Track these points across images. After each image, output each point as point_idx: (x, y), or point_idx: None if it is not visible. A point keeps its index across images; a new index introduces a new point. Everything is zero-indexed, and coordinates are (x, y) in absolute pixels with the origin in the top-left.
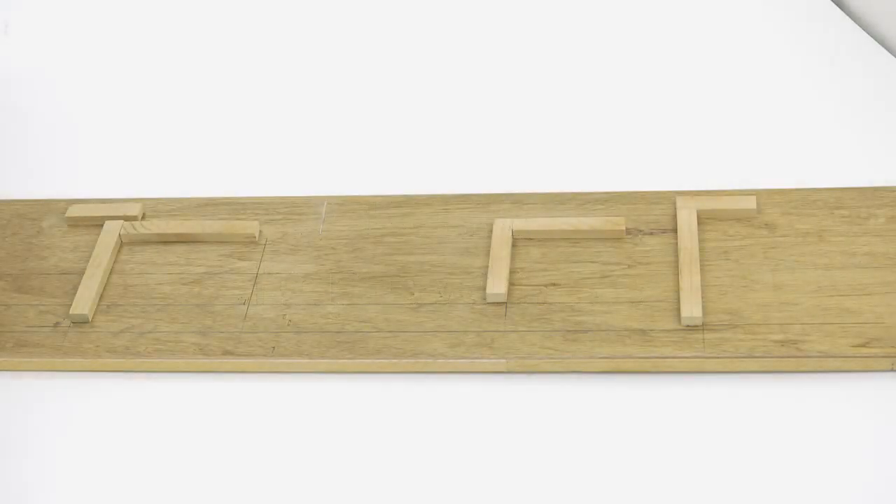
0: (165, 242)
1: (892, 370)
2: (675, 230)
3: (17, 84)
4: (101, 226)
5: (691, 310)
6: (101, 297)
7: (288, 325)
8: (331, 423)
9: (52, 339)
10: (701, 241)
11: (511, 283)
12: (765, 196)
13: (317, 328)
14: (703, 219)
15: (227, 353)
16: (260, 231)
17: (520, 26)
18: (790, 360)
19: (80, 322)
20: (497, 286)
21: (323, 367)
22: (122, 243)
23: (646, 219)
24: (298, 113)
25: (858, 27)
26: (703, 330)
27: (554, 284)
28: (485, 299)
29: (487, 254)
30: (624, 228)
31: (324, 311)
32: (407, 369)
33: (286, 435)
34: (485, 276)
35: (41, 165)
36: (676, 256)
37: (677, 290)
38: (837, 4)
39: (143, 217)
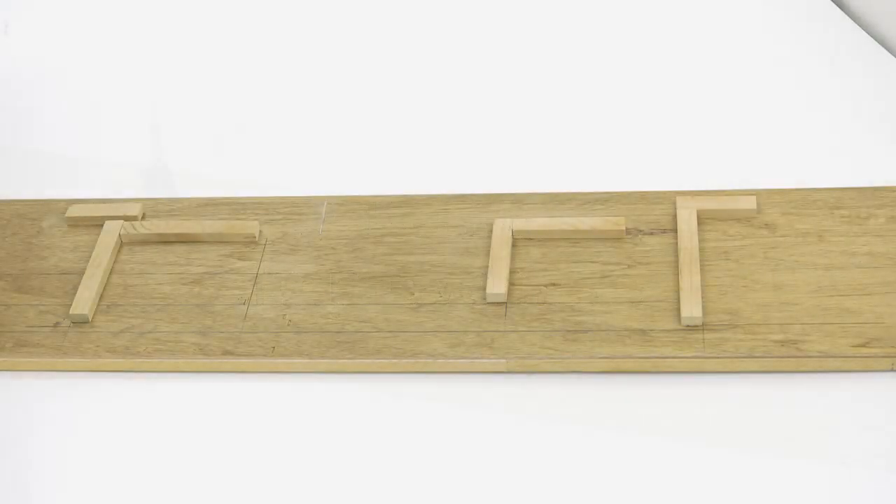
0: (165, 242)
1: (892, 370)
2: (675, 230)
3: (17, 84)
4: (101, 226)
5: (691, 310)
6: (101, 297)
7: (288, 325)
8: (331, 423)
9: (52, 339)
10: (701, 241)
11: (511, 283)
12: (765, 196)
13: (317, 328)
14: (703, 219)
15: (227, 353)
16: (260, 231)
17: (520, 26)
18: (790, 360)
19: (80, 322)
20: (497, 286)
21: (323, 367)
22: (122, 243)
23: (646, 219)
24: (298, 113)
25: (858, 27)
26: (703, 330)
27: (554, 284)
28: (485, 299)
29: (487, 254)
30: (624, 228)
31: (324, 311)
32: (407, 369)
33: (286, 435)
34: (485, 276)
35: (41, 165)
36: (676, 256)
37: (677, 290)
38: (837, 4)
39: (143, 217)
